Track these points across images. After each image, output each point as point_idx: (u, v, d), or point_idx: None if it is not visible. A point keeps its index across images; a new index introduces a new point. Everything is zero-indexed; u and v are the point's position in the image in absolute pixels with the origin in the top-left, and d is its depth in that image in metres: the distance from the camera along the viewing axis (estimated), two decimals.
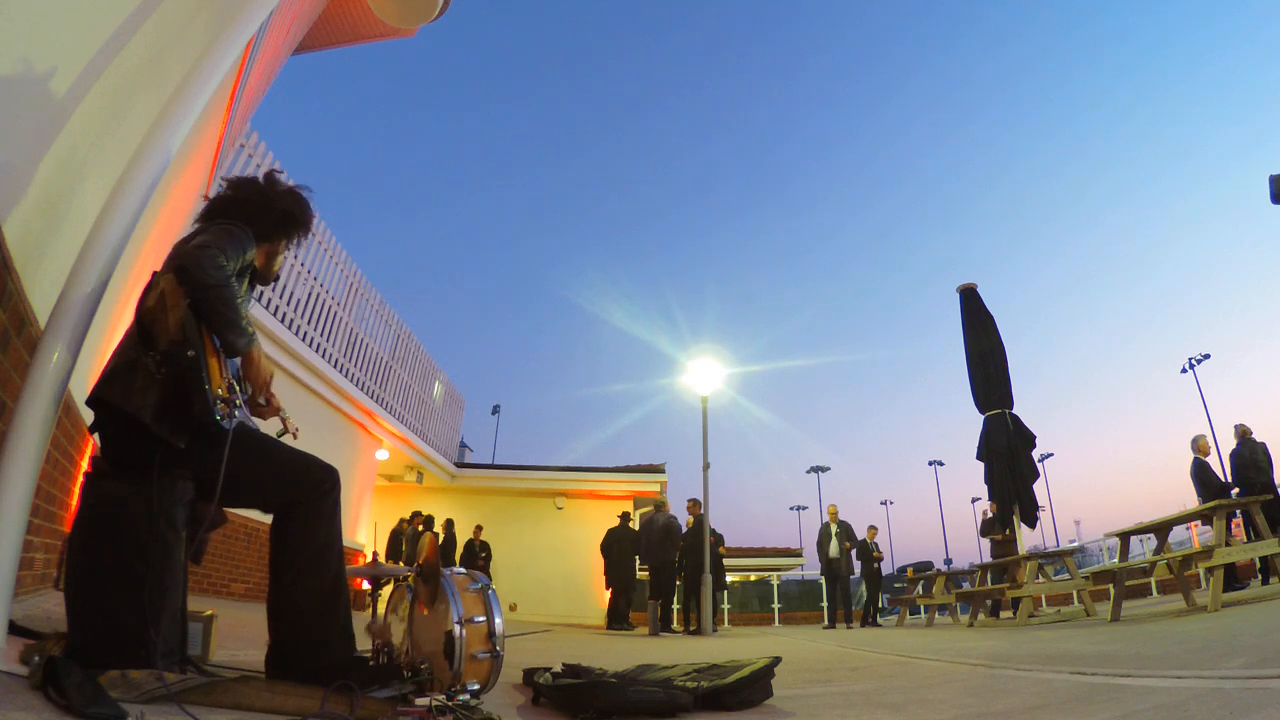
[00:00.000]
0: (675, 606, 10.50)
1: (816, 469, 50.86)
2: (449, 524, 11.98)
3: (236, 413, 1.68)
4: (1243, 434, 7.87)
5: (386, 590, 2.10)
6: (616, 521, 10.70)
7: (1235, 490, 7.61)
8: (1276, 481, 7.52)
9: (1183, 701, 1.59)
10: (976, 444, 7.85)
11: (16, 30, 1.46)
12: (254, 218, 1.84)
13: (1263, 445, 7.76)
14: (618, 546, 10.31)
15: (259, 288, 2.06)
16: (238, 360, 1.78)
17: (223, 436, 1.59)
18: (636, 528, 10.80)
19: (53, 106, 1.70)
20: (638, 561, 10.32)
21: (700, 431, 9.80)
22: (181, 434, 1.55)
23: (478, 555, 11.90)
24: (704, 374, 10.20)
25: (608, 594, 10.42)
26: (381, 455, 11.54)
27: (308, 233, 2.02)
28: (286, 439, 1.88)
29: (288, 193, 1.95)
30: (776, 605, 17.18)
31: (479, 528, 12.35)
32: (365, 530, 10.93)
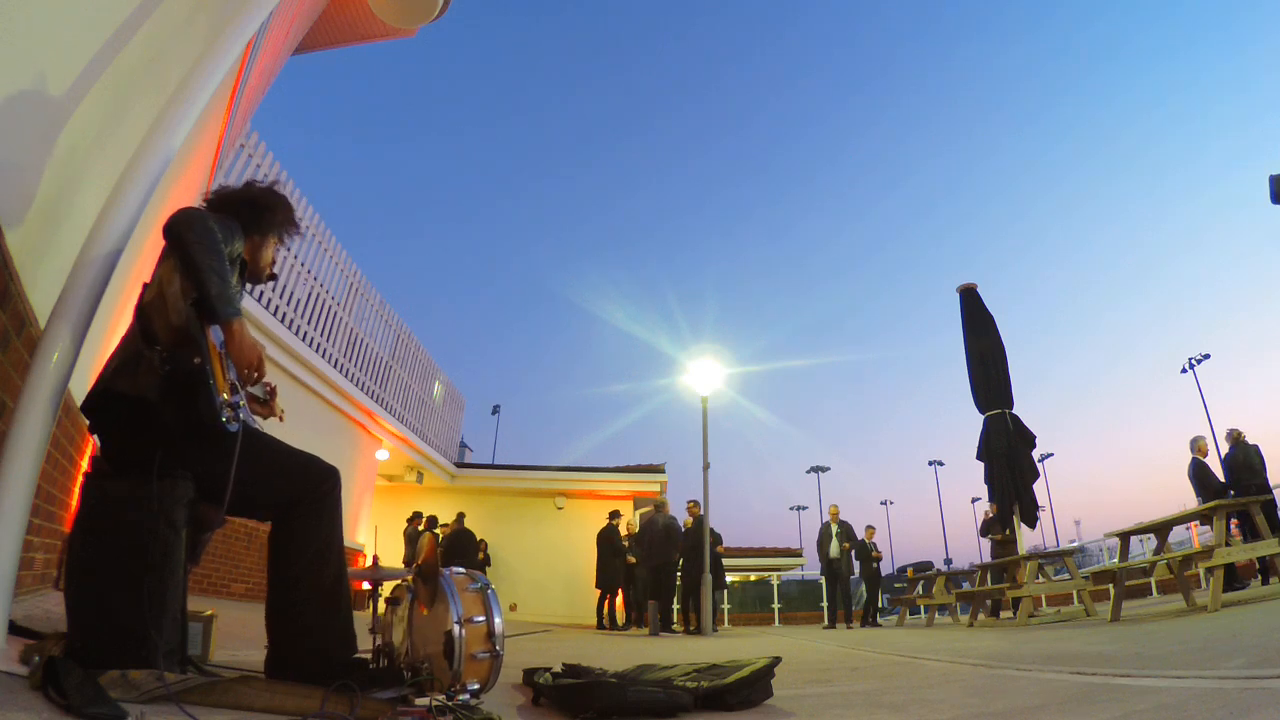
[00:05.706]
0: (675, 606, 10.53)
1: (816, 469, 50.90)
2: (460, 517, 11.61)
3: (240, 414, 1.68)
4: (1235, 438, 7.90)
5: (387, 590, 2.11)
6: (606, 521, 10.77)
7: (1231, 492, 7.63)
8: (1271, 483, 7.54)
9: (1183, 701, 1.59)
10: (976, 444, 7.85)
11: (17, 30, 1.45)
12: (236, 210, 1.89)
13: (1255, 447, 7.79)
14: (603, 546, 10.34)
15: (254, 286, 2.09)
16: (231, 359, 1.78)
17: (226, 437, 1.58)
18: (624, 528, 10.83)
19: (53, 106, 1.70)
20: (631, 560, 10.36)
21: (700, 431, 9.82)
22: (182, 423, 1.55)
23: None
24: (704, 374, 10.21)
25: (596, 594, 10.47)
26: (381, 455, 11.53)
27: (284, 219, 2.03)
28: (277, 429, 1.90)
29: (262, 188, 2.01)
30: (776, 605, 17.17)
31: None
32: (365, 531, 10.92)
